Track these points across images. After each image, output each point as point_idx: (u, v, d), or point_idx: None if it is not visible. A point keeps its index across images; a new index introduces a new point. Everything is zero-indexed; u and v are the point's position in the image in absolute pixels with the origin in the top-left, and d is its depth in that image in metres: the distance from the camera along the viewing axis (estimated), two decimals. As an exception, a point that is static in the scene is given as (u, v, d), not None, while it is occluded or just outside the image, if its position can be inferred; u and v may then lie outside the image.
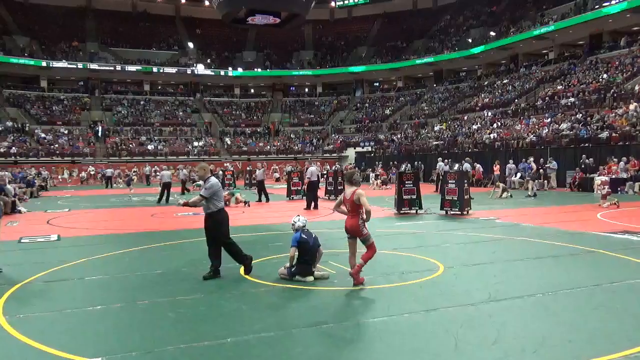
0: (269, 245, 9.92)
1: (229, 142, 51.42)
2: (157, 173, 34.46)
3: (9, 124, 45.97)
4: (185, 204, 7.36)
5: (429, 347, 4.60)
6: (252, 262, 7.47)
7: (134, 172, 40.17)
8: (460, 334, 4.78)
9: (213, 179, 7.30)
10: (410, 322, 5.23)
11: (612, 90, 30.23)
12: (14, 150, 41.97)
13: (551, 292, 6.23)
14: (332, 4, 62.01)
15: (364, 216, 6.56)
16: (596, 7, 37.58)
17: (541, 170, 24.76)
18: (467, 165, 23.94)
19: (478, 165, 27.48)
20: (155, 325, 5.32)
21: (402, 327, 5.11)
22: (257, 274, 7.30)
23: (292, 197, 21.40)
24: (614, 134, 24.52)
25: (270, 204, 20.05)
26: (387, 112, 54.63)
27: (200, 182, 7.64)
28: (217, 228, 7.24)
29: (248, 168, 33.27)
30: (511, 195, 20.16)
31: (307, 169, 21.85)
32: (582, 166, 23.39)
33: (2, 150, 41.40)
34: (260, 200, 20.50)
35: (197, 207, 7.50)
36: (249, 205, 18.58)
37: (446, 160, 26.30)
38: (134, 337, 4.94)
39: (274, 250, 9.08)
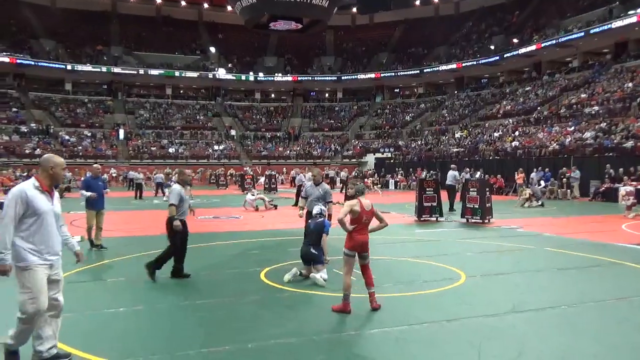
0: (288, 250, 9.90)
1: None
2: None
3: (34, 126, 46.85)
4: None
5: (449, 357, 4.55)
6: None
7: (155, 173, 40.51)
8: (482, 345, 4.72)
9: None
10: (430, 332, 5.18)
11: (638, 99, 29.70)
12: (38, 151, 42.68)
13: (575, 304, 6.13)
14: (354, 10, 62.06)
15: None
16: (622, 15, 37.03)
17: (564, 180, 24.43)
18: (453, 173, 23.33)
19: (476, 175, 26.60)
20: (176, 328, 5.35)
21: (422, 336, 5.07)
22: (276, 280, 7.32)
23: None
24: (639, 144, 24.08)
25: (285, 208, 20.04)
26: (408, 118, 54.37)
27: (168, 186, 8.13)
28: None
29: (267, 172, 33.52)
30: (542, 204, 19.82)
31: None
32: (607, 176, 22.97)
33: (26, 151, 42.17)
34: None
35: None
36: (276, 208, 19.51)
37: (467, 169, 25.89)
38: (154, 340, 4.99)
39: (294, 256, 9.05)
